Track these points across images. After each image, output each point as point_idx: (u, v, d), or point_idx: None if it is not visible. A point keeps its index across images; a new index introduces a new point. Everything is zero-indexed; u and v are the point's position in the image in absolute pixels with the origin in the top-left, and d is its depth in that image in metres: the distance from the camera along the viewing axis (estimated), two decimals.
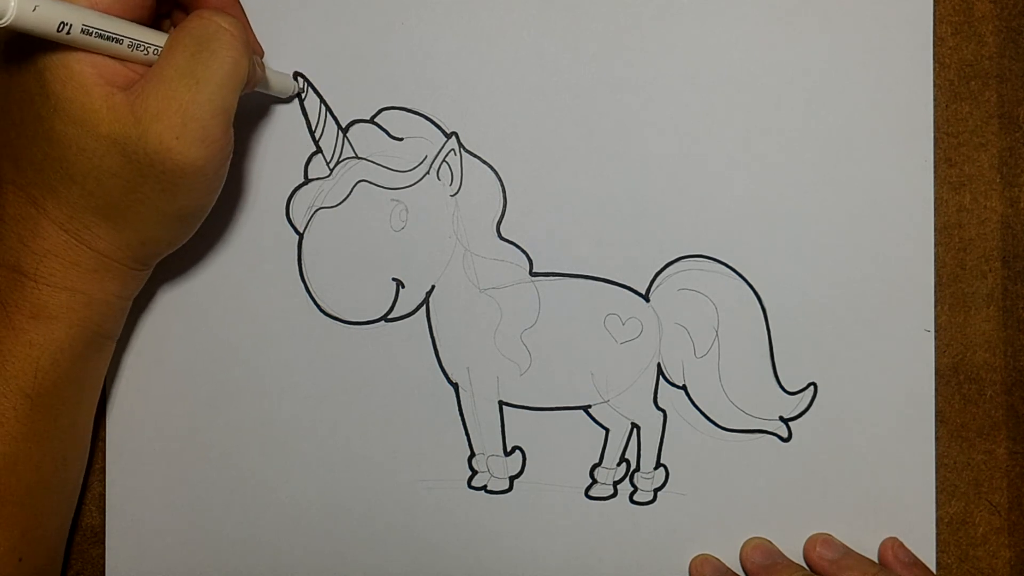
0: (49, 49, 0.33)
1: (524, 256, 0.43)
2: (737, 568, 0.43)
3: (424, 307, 0.43)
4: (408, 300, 0.43)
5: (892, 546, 0.42)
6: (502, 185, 0.43)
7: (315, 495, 0.43)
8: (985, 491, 0.43)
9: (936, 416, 0.43)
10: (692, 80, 0.43)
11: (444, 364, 0.43)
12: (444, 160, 0.43)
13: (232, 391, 0.44)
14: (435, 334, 0.43)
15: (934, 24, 0.43)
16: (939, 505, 0.43)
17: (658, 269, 0.43)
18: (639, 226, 0.43)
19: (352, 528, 0.43)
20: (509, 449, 0.43)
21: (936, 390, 0.43)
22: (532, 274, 0.43)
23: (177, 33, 0.34)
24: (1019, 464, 0.43)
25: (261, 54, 0.41)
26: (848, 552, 0.42)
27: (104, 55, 0.33)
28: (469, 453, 0.43)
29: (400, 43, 0.43)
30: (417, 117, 0.43)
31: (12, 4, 0.29)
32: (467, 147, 0.43)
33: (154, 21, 0.37)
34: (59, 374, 0.36)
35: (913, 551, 0.42)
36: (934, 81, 0.43)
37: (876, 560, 0.42)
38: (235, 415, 0.44)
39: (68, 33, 0.31)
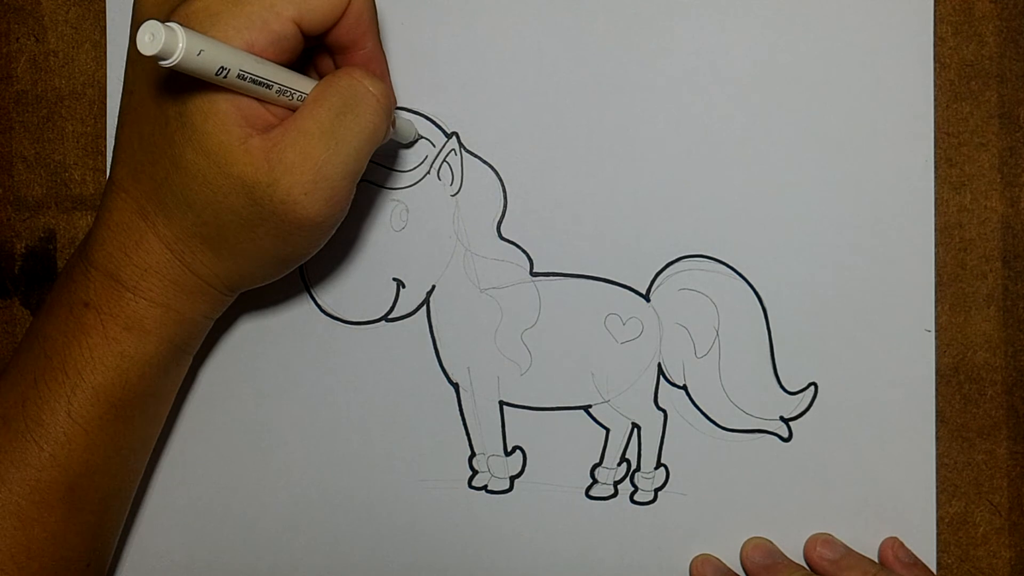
0: (196, 81, 0.32)
1: (524, 256, 0.43)
2: (738, 568, 0.43)
3: (424, 307, 0.43)
4: (408, 300, 0.43)
5: (892, 546, 0.42)
6: (502, 185, 0.43)
7: (315, 495, 0.43)
8: (986, 491, 0.43)
9: (936, 416, 0.43)
10: (692, 80, 0.43)
11: (444, 364, 0.43)
12: (445, 160, 0.43)
13: (232, 390, 0.44)
14: (435, 334, 0.43)
15: (935, 24, 0.43)
16: (939, 505, 0.43)
17: (658, 269, 0.43)
18: (639, 226, 0.43)
19: (352, 528, 0.43)
20: (510, 449, 0.43)
21: (936, 390, 0.43)
22: (532, 274, 0.43)
23: (324, 88, 0.34)
24: (1020, 464, 0.43)
25: (394, 105, 0.40)
26: (848, 552, 0.42)
27: (250, 97, 0.33)
28: (469, 453, 0.43)
29: (400, 43, 0.43)
30: (417, 117, 0.43)
31: (180, 46, 0.28)
32: (467, 147, 0.43)
33: (299, 65, 0.36)
34: (144, 387, 0.37)
35: (913, 551, 0.42)
36: (935, 81, 0.43)
37: (876, 560, 0.42)
38: (235, 415, 0.44)
39: (225, 77, 0.31)
